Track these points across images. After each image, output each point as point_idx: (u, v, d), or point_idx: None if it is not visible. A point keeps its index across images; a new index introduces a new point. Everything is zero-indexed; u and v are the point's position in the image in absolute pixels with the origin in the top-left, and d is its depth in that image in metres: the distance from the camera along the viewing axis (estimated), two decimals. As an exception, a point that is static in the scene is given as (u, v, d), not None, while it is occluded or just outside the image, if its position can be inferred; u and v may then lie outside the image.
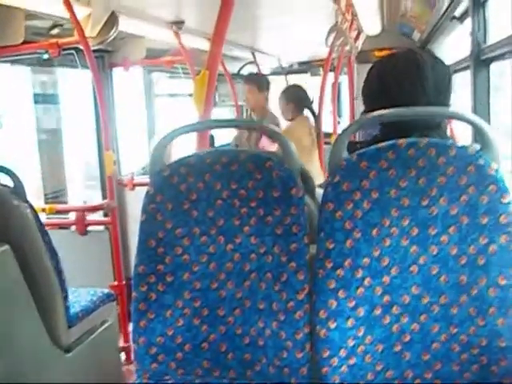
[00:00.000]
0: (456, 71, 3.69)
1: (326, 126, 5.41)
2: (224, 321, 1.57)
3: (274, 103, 4.87)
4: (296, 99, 4.70)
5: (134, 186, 4.36)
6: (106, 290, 2.84)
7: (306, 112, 4.75)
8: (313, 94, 4.90)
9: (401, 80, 1.57)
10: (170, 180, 1.57)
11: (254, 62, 6.50)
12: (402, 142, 1.39)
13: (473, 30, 2.99)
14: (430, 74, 1.55)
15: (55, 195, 4.75)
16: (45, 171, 4.76)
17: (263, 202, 1.53)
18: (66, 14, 2.93)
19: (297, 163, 1.55)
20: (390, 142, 1.40)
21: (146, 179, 1.83)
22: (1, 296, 1.86)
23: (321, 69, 6.27)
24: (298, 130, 4.50)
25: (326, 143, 4.99)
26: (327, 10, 3.55)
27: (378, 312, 1.42)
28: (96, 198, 4.67)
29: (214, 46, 1.95)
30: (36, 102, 4.60)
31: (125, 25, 3.44)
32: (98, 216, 3.95)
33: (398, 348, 1.43)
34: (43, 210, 3.32)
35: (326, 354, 1.43)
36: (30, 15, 3.07)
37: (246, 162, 1.54)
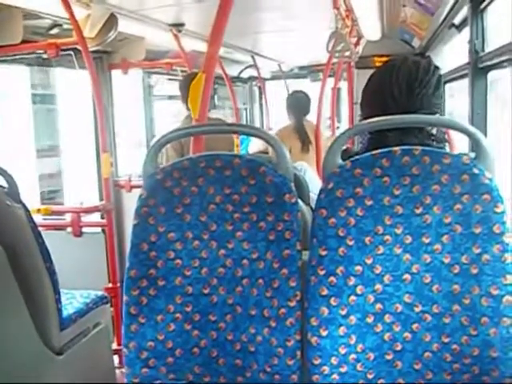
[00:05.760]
0: (454, 79, 3.69)
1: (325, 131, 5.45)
2: (215, 326, 1.56)
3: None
4: (288, 106, 4.91)
5: (131, 187, 4.36)
6: (100, 293, 2.83)
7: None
8: (312, 98, 4.94)
9: (401, 82, 1.58)
10: (163, 183, 1.56)
11: (254, 66, 6.50)
12: (397, 149, 1.39)
13: (471, 38, 2.99)
14: (427, 76, 1.58)
15: (51, 196, 4.74)
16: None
17: (256, 207, 1.52)
18: (65, 14, 2.92)
19: (290, 169, 1.54)
20: (385, 150, 1.40)
21: (144, 181, 1.82)
22: (-8, 297, 1.86)
23: (321, 74, 6.27)
24: (280, 135, 4.56)
25: (325, 148, 4.99)
26: (328, 15, 3.54)
27: (369, 320, 1.41)
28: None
29: (211, 48, 1.92)
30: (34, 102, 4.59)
31: (124, 26, 3.44)
32: (95, 217, 3.94)
33: (389, 357, 1.42)
34: (38, 210, 3.30)
35: (317, 361, 1.42)
36: (29, 15, 3.06)
37: (240, 167, 1.53)
